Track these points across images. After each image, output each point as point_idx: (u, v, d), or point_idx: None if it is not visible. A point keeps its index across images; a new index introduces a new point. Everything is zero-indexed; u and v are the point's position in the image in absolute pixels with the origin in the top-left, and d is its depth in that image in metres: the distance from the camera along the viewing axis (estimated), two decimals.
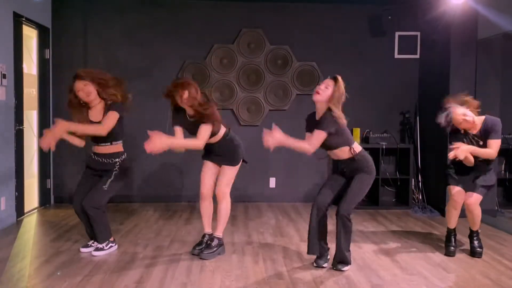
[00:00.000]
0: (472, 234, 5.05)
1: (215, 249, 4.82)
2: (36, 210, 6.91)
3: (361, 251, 5.09)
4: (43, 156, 7.17)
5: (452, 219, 5.04)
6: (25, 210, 6.55)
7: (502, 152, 7.06)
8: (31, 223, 6.22)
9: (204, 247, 4.87)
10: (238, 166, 4.97)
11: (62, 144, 7.25)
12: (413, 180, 7.40)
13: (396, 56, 7.69)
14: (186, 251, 5.00)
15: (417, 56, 7.69)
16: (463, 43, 6.65)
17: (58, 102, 7.28)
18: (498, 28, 6.10)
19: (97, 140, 4.88)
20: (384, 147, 7.30)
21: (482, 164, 4.92)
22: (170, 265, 4.55)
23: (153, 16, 7.45)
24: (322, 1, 7.42)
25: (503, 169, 7.37)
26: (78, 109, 4.83)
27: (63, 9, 7.28)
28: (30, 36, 7.20)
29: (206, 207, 4.99)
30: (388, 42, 7.66)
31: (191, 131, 4.77)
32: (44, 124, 7.14)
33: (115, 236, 5.50)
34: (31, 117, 7.43)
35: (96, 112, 4.88)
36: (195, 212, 6.81)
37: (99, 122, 4.77)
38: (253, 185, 7.65)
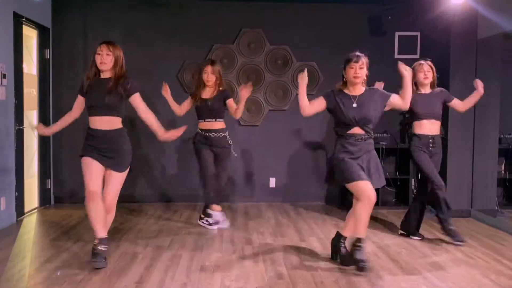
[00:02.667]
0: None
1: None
2: (36, 210, 6.91)
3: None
4: (43, 156, 7.17)
5: None
6: (25, 210, 6.55)
7: (501, 152, 7.09)
8: (31, 223, 6.22)
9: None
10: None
11: (62, 144, 7.30)
12: (413, 180, 7.39)
13: (396, 56, 7.69)
14: (186, 251, 5.00)
15: (417, 56, 7.67)
16: (463, 43, 6.65)
17: (58, 102, 7.29)
18: (498, 28, 6.10)
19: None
20: (384, 147, 7.30)
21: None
22: (170, 265, 4.55)
23: (153, 16, 7.46)
24: (322, 1, 7.42)
25: (502, 169, 7.36)
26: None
27: (63, 10, 7.28)
28: (30, 36, 7.20)
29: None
30: (388, 42, 7.66)
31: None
32: (44, 124, 7.11)
33: (116, 235, 5.51)
34: (31, 117, 7.42)
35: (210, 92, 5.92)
36: (195, 212, 6.81)
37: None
38: (253, 185, 7.65)
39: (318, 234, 5.77)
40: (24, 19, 6.40)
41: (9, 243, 5.24)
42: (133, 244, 5.24)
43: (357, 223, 4.43)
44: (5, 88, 5.87)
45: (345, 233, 4.66)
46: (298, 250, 5.09)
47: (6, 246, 5.12)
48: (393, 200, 7.71)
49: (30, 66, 7.38)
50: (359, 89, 4.62)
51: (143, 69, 7.36)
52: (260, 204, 7.57)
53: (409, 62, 7.57)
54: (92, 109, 4.54)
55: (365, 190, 4.31)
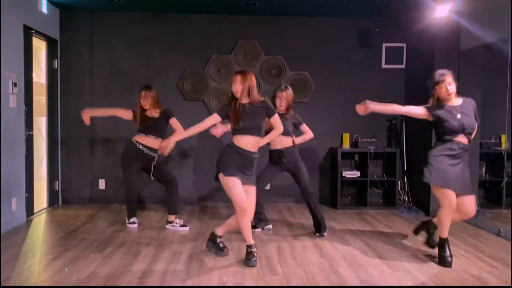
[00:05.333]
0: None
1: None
2: (45, 210, 6.91)
3: (350, 248, 5.11)
4: (52, 159, 7.18)
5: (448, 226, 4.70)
6: (35, 210, 6.55)
7: (482, 156, 7.13)
8: (40, 222, 6.22)
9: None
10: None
11: (69, 149, 7.31)
12: (399, 182, 7.43)
13: (383, 66, 7.73)
14: (185, 249, 5.02)
15: (403, 66, 7.73)
16: (446, 54, 6.68)
17: (65, 109, 7.30)
18: (479, 40, 6.13)
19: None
20: (372, 151, 7.34)
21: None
22: (171, 262, 4.57)
23: (156, 29, 7.48)
24: (314, 14, 7.45)
25: (483, 172, 7.40)
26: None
27: (70, 22, 7.30)
28: (40, 47, 7.22)
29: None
30: (375, 53, 7.70)
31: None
32: (52, 129, 7.16)
33: (119, 234, 5.52)
34: (40, 123, 7.44)
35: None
36: (195, 212, 6.83)
37: None
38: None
39: (310, 232, 5.78)
40: (33, 31, 6.42)
41: (19, 241, 5.25)
42: (136, 242, 5.25)
43: (439, 226, 4.66)
44: (16, 96, 5.88)
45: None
46: (291, 247, 5.11)
47: (17, 244, 5.12)
48: (381, 201, 7.74)
49: (40, 76, 7.40)
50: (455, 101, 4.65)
51: (146, 78, 7.37)
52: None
53: (395, 72, 7.70)
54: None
55: (450, 198, 4.52)
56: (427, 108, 4.67)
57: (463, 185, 4.55)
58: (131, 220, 6.00)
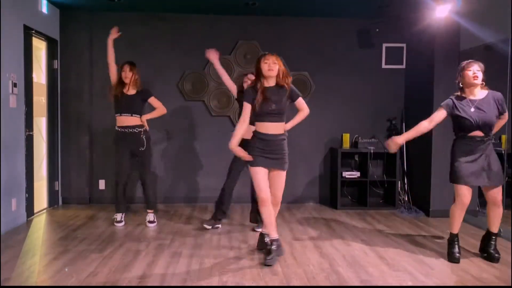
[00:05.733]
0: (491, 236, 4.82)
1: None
2: (45, 210, 6.91)
3: (350, 248, 5.11)
4: (52, 160, 7.17)
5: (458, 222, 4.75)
6: (35, 211, 6.55)
7: None
8: (40, 222, 6.22)
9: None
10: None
11: (69, 149, 7.31)
12: (399, 182, 7.42)
13: (384, 66, 7.73)
14: (186, 248, 5.02)
15: (403, 66, 7.73)
16: (446, 54, 6.68)
17: (65, 109, 7.30)
18: (479, 40, 6.13)
19: None
20: (372, 151, 7.34)
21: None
22: (171, 261, 4.57)
23: (156, 29, 7.48)
24: (314, 15, 7.45)
25: None
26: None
27: (70, 23, 7.30)
28: (40, 47, 7.22)
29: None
30: (376, 53, 7.70)
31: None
32: (52, 130, 7.16)
33: (119, 235, 5.52)
34: (40, 123, 7.43)
35: None
36: (195, 212, 6.83)
37: None
38: (249, 187, 7.65)
39: (310, 233, 5.78)
40: (33, 32, 6.41)
41: (19, 241, 5.25)
42: (136, 242, 5.25)
43: (450, 220, 4.76)
44: (16, 96, 5.88)
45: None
46: (291, 247, 5.11)
47: (17, 244, 5.12)
48: (381, 201, 7.74)
49: (40, 76, 7.39)
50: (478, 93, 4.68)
51: (146, 78, 7.37)
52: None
53: (395, 72, 7.70)
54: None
55: (462, 195, 4.60)
56: (446, 108, 4.68)
57: (487, 177, 4.57)
58: (117, 218, 6.01)
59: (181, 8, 7.20)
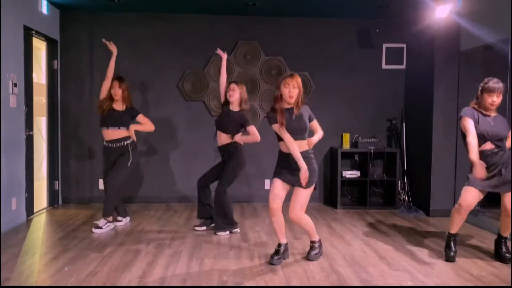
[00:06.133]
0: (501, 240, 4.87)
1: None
2: (45, 210, 6.91)
3: (350, 248, 5.11)
4: (52, 159, 7.18)
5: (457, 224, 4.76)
6: (35, 210, 6.56)
7: None
8: (40, 222, 6.22)
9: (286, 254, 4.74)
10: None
11: (69, 149, 7.31)
12: (399, 182, 7.42)
13: (384, 66, 7.73)
14: (185, 248, 5.01)
15: (403, 66, 7.73)
16: (446, 54, 6.69)
17: (65, 109, 7.30)
18: (479, 40, 6.13)
19: None
20: (372, 151, 7.34)
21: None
22: (171, 261, 4.56)
23: (156, 29, 7.48)
24: (314, 15, 7.45)
25: None
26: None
27: (70, 23, 7.30)
28: (40, 48, 7.22)
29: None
30: (376, 54, 7.70)
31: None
32: (52, 129, 7.16)
33: (120, 234, 5.52)
34: (40, 123, 7.44)
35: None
36: (194, 212, 6.81)
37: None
38: (249, 186, 7.67)
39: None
40: (34, 32, 6.42)
41: (19, 240, 5.25)
42: (136, 241, 5.25)
43: (450, 221, 4.76)
44: (16, 96, 5.88)
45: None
46: (292, 247, 5.10)
47: (17, 243, 5.12)
48: (381, 201, 7.74)
49: (40, 76, 7.40)
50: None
51: (146, 78, 7.40)
52: (256, 204, 7.59)
53: (395, 72, 7.70)
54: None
55: (463, 197, 4.63)
56: (473, 122, 4.66)
57: (500, 184, 4.62)
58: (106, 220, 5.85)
59: (181, 8, 7.20)
